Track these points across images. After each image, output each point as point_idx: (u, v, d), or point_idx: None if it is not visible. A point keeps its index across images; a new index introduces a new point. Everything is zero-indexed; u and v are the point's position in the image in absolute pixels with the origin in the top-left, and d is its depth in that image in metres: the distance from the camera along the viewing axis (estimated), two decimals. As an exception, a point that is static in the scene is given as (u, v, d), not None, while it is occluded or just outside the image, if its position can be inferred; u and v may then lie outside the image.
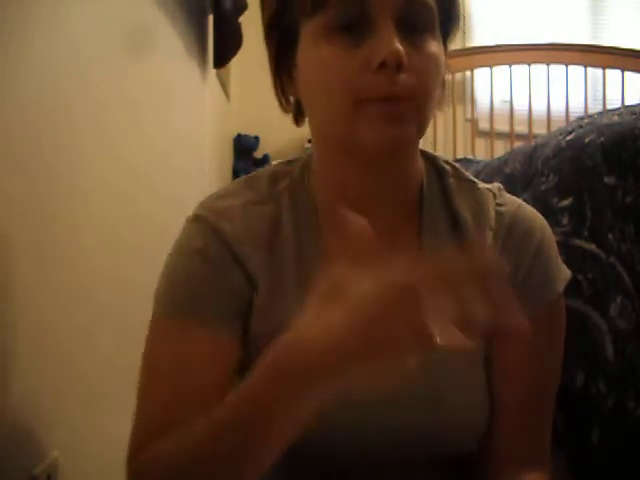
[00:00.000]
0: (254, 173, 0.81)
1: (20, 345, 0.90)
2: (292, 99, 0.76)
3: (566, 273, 0.78)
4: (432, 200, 0.77)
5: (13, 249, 0.89)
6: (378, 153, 0.69)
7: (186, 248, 0.75)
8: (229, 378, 0.71)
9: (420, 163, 0.79)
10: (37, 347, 0.96)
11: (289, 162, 0.82)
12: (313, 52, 0.69)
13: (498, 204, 0.78)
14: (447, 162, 0.81)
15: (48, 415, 0.98)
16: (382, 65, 0.64)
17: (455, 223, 0.77)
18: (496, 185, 0.81)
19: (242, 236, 0.73)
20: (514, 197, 0.80)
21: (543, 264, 0.76)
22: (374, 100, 0.66)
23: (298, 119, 0.78)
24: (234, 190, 0.78)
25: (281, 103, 0.76)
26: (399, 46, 0.64)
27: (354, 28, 0.66)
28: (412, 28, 0.67)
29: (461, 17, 0.75)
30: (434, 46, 0.69)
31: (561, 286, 0.77)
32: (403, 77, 0.65)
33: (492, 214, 0.77)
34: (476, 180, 0.80)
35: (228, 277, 0.73)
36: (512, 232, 0.76)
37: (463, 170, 0.81)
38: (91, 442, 1.16)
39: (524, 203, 0.80)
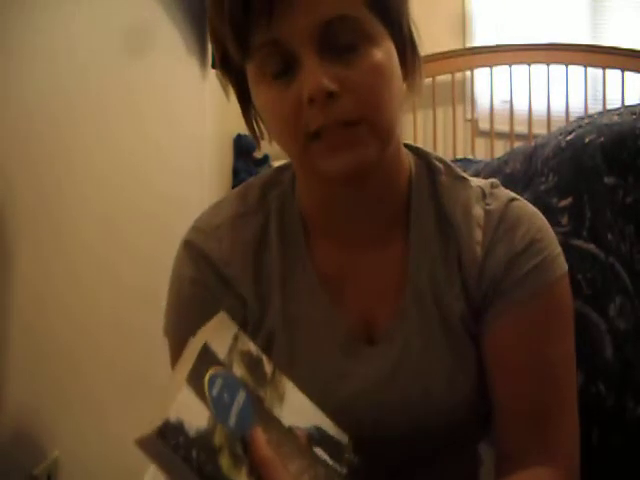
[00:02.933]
0: (250, 180, 0.84)
1: (20, 344, 0.91)
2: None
3: (563, 266, 0.76)
4: (420, 198, 0.78)
5: (14, 249, 0.89)
6: (343, 180, 0.68)
7: (178, 274, 0.80)
8: None
9: (407, 162, 0.79)
10: (37, 346, 0.96)
11: (283, 169, 0.83)
12: (256, 95, 0.70)
13: (487, 203, 0.78)
14: (440, 160, 0.81)
15: (48, 415, 0.98)
16: (312, 101, 0.63)
17: (444, 220, 0.77)
18: (489, 182, 0.80)
19: (229, 257, 0.77)
20: (508, 193, 0.80)
21: (532, 256, 0.74)
22: (320, 133, 0.65)
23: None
24: (227, 201, 0.81)
25: (252, 129, 0.79)
26: (321, 78, 0.62)
27: (284, 68, 0.65)
28: (342, 47, 0.64)
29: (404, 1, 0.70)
30: (375, 55, 0.65)
31: (557, 273, 0.74)
32: (341, 103, 0.64)
33: (481, 212, 0.77)
34: (468, 177, 0.80)
35: (218, 300, 0.76)
36: (499, 229, 0.76)
37: (455, 168, 0.81)
38: (91, 442, 1.16)
39: (517, 200, 0.78)
